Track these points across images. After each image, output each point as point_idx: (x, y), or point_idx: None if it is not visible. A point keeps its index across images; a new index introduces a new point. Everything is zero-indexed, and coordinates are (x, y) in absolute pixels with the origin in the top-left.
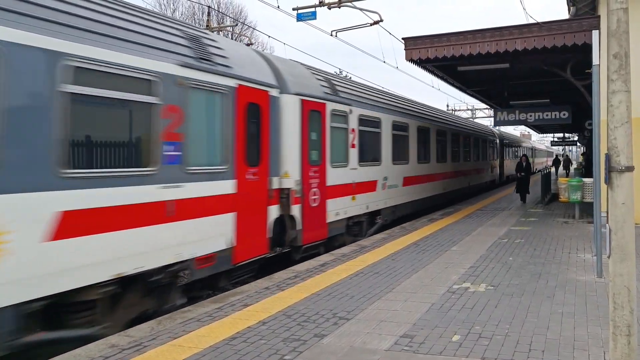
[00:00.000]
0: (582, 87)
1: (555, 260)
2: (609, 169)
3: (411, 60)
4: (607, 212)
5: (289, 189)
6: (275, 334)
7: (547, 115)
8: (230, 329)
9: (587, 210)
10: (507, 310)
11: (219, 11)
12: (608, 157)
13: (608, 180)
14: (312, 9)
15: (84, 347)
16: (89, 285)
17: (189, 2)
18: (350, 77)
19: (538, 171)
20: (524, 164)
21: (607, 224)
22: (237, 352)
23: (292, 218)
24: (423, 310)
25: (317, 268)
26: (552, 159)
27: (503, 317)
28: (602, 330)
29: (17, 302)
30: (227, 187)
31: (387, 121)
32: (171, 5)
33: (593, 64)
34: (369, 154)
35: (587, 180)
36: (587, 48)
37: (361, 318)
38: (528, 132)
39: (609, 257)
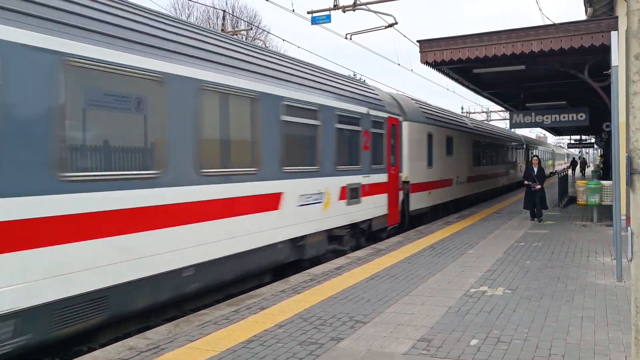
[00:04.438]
0: (600, 88)
1: (574, 264)
2: (631, 172)
3: (426, 63)
4: (627, 215)
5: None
6: (292, 337)
7: (564, 117)
8: (248, 332)
9: (605, 213)
10: (526, 314)
11: (233, 15)
12: (630, 160)
13: (630, 183)
14: (327, 12)
15: (102, 349)
16: None
17: (203, 6)
18: (365, 80)
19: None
20: (536, 168)
21: (628, 227)
22: (254, 355)
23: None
24: (440, 313)
25: (333, 271)
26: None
27: (522, 321)
28: (623, 334)
29: None
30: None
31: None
32: (186, 9)
33: (612, 65)
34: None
35: (605, 182)
36: (605, 49)
37: (378, 321)
38: (544, 135)
39: (630, 260)
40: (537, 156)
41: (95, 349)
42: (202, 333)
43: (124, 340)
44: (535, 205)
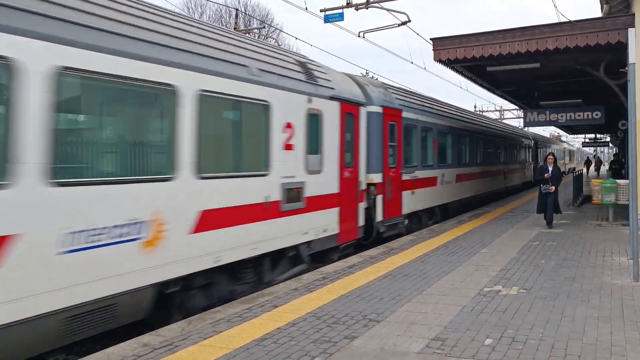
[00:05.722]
0: (616, 86)
1: (589, 264)
2: None
3: (439, 61)
4: None
5: None
6: (305, 335)
7: (579, 115)
8: (260, 330)
9: (621, 212)
10: (541, 314)
11: (246, 13)
12: None
13: None
14: (340, 10)
15: (116, 345)
16: None
17: (216, 4)
18: (377, 79)
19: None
20: (550, 168)
21: None
22: (267, 352)
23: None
24: (454, 313)
25: (346, 270)
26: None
27: (537, 321)
28: None
29: None
30: None
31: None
32: (199, 8)
33: (629, 62)
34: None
35: (621, 181)
36: (621, 47)
37: (391, 320)
38: (558, 134)
39: None
40: (553, 154)
41: (109, 346)
42: (215, 331)
43: (137, 337)
44: (547, 209)
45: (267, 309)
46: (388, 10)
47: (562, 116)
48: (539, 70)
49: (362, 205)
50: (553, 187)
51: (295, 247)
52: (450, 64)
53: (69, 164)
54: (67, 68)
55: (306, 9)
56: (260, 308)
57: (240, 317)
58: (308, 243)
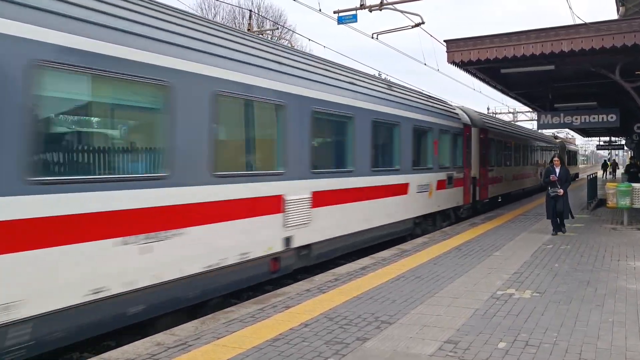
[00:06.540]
0: (632, 89)
1: (603, 268)
2: None
3: (453, 63)
4: None
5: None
6: (317, 336)
7: (593, 118)
8: (273, 330)
9: (636, 216)
10: (555, 317)
11: (259, 14)
12: None
13: None
14: (353, 12)
15: (131, 344)
16: None
17: (230, 6)
18: (390, 80)
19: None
20: (558, 169)
21: None
22: (280, 353)
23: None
24: (467, 315)
25: (358, 271)
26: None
27: (550, 325)
28: None
29: None
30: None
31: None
32: (212, 9)
33: None
34: None
35: (636, 185)
36: (637, 49)
37: (404, 322)
38: (572, 136)
39: None
40: (560, 156)
41: (124, 344)
42: (228, 330)
43: (151, 336)
44: (557, 215)
45: (280, 309)
46: (402, 12)
47: (576, 119)
48: (554, 72)
49: None
50: (562, 190)
51: None
52: (463, 65)
53: None
54: None
55: (320, 10)
56: (273, 309)
57: (253, 318)
58: None
